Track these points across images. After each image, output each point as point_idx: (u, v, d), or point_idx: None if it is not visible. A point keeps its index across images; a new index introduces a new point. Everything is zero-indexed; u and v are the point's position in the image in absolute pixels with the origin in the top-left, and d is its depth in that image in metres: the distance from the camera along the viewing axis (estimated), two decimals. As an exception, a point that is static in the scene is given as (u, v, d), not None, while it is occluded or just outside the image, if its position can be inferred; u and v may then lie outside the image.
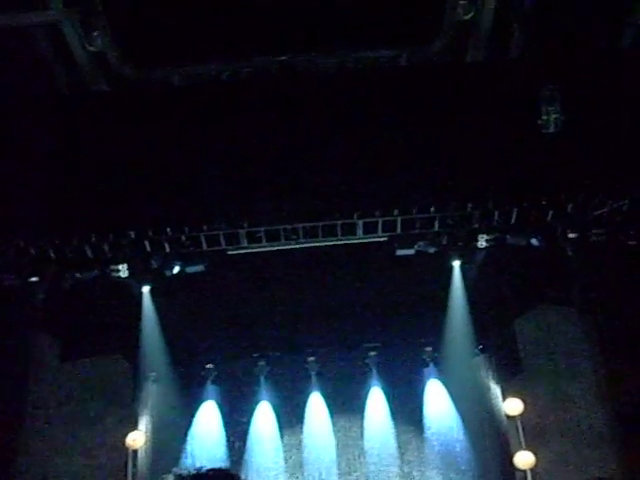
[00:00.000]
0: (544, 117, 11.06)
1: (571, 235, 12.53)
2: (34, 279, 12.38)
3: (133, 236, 12.33)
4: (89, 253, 12.32)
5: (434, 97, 11.20)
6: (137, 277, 12.99)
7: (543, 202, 12.31)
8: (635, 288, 12.38)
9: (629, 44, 11.49)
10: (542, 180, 11.75)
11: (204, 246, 12.70)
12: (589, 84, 11.06)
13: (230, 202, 11.94)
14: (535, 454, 12.67)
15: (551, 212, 12.42)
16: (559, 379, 13.32)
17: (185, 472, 1.27)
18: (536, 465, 12.62)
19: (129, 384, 13.87)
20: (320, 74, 11.71)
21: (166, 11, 10.22)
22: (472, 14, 11.00)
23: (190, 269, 12.97)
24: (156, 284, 13.30)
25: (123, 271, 12.66)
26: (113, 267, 12.63)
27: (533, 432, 13.04)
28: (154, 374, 14.16)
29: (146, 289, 13.39)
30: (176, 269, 12.88)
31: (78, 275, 12.49)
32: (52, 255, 12.21)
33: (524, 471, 12.85)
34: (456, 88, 11.30)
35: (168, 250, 12.67)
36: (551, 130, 11.08)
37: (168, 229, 12.40)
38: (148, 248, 12.57)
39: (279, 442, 14.81)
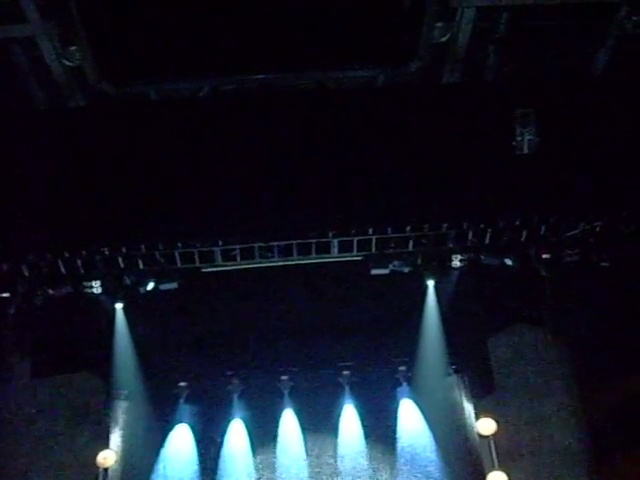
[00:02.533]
0: (518, 139, 11.19)
1: (544, 256, 12.66)
2: (5, 295, 12.28)
3: (107, 252, 12.26)
4: (62, 269, 12.23)
5: (410, 118, 11.27)
6: (110, 294, 12.92)
7: (517, 223, 12.43)
8: (607, 308, 12.50)
9: (602, 68, 11.66)
10: (516, 201, 11.85)
11: (178, 263, 12.66)
12: (563, 107, 11.19)
13: (205, 219, 11.90)
14: (508, 474, 12.68)
15: (525, 233, 12.54)
16: (532, 399, 13.37)
17: None
18: (509, 484, 12.63)
19: (100, 401, 13.73)
20: (298, 93, 11.75)
21: (144, 26, 10.20)
22: (448, 36, 11.11)
23: (164, 286, 12.91)
24: (129, 301, 13.22)
25: (96, 287, 12.61)
26: (86, 283, 12.57)
27: (506, 452, 13.07)
28: (126, 392, 14.02)
29: (119, 306, 13.31)
30: (150, 286, 12.82)
31: (50, 291, 12.40)
32: (24, 271, 12.11)
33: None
34: (432, 109, 11.39)
35: (142, 267, 12.61)
36: (525, 151, 11.20)
37: (142, 246, 12.35)
38: (122, 265, 12.50)
39: (251, 461, 14.69)
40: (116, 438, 13.68)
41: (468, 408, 13.95)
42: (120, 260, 12.42)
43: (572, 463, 12.76)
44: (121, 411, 13.89)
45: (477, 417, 13.64)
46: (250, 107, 11.34)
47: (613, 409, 12.55)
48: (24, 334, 13.33)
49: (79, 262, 12.24)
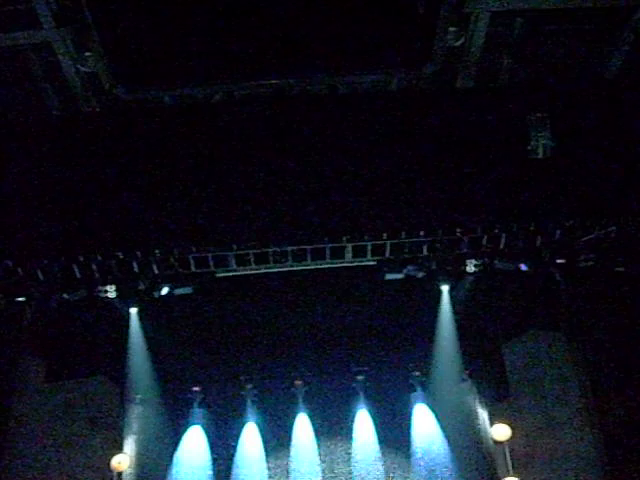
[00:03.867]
0: (533, 143, 11.15)
1: (559, 261, 12.60)
2: (21, 299, 12.34)
3: (121, 257, 12.29)
4: (77, 274, 12.29)
5: (424, 122, 11.26)
6: (125, 298, 12.96)
7: (531, 228, 12.38)
8: (622, 314, 12.44)
9: (616, 71, 11.61)
10: (531, 206, 11.81)
11: (193, 268, 12.69)
12: (577, 111, 11.16)
13: (219, 224, 11.93)
14: (522, 479, 12.62)
15: (539, 238, 12.49)
16: (547, 405, 13.28)
17: None
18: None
19: (115, 406, 13.74)
20: (312, 98, 11.77)
21: (159, 32, 10.24)
22: (462, 41, 11.10)
23: (178, 291, 12.95)
24: (144, 305, 13.27)
25: (111, 292, 12.65)
26: (101, 288, 12.62)
27: (520, 458, 13.00)
28: (140, 396, 14.04)
29: (134, 310, 13.36)
30: (164, 291, 12.87)
31: (65, 296, 12.46)
32: (40, 276, 12.17)
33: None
34: (446, 114, 11.37)
35: (156, 272, 12.65)
36: (540, 156, 11.17)
37: (157, 251, 12.38)
38: (136, 269, 12.54)
39: (265, 465, 14.68)
40: (130, 442, 13.71)
41: (482, 414, 13.89)
42: (135, 265, 12.46)
43: (586, 470, 12.66)
44: (135, 415, 13.91)
45: (491, 423, 13.57)
46: (264, 112, 11.35)
47: (629, 415, 12.47)
48: (39, 338, 13.37)
49: (94, 267, 12.29)
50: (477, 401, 14.09)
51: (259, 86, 11.38)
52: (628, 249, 12.32)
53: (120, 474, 13.25)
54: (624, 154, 11.13)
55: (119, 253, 12.21)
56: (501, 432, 13.24)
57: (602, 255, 12.42)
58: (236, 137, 11.19)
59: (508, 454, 13.12)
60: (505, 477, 13.01)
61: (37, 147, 10.82)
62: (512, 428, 13.06)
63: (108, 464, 13.14)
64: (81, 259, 12.13)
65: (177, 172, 11.32)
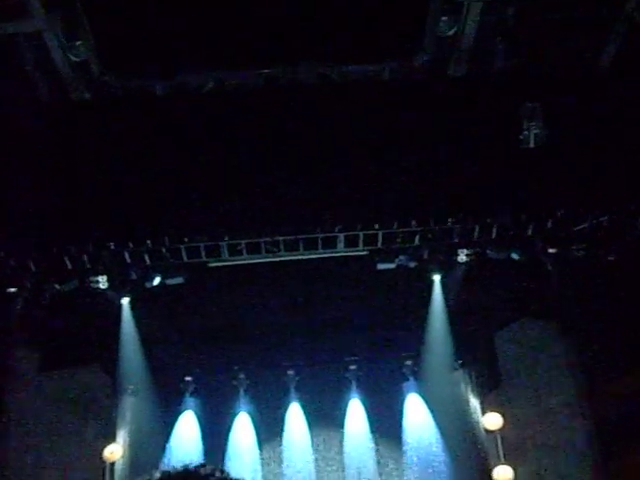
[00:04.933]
0: (525, 132, 11.13)
1: (551, 250, 12.62)
2: (12, 290, 12.30)
3: (113, 247, 12.27)
4: (68, 264, 12.25)
5: (416, 112, 11.24)
6: (117, 289, 12.94)
7: (523, 217, 12.40)
8: (615, 303, 12.46)
9: (610, 60, 11.59)
10: (523, 195, 11.83)
11: (184, 258, 12.67)
12: (570, 100, 11.14)
13: (211, 214, 11.91)
14: (514, 469, 12.69)
15: (531, 227, 12.51)
16: (539, 394, 13.34)
17: (172, 469, 1.22)
18: (514, 479, 12.60)
19: (107, 396, 13.75)
20: (303, 88, 11.72)
21: (150, 21, 10.18)
22: (455, 30, 11.05)
23: (170, 281, 12.92)
24: (136, 296, 13.24)
25: (103, 282, 12.61)
26: (92, 278, 12.58)
27: (512, 447, 13.06)
28: (133, 386, 14.04)
29: (125, 301, 13.33)
30: (156, 281, 12.84)
31: (57, 286, 12.42)
32: (31, 266, 12.13)
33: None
34: (438, 103, 11.36)
35: (148, 262, 12.62)
36: (532, 145, 11.15)
37: (148, 241, 12.36)
38: (128, 259, 12.51)
39: (258, 455, 14.75)
40: (123, 432, 13.72)
41: (474, 403, 13.95)
42: (126, 255, 12.43)
43: (579, 458, 12.72)
44: (128, 406, 13.91)
45: (483, 412, 13.64)
46: (255, 102, 11.31)
47: (621, 404, 12.51)
48: (31, 329, 13.32)
49: (85, 257, 12.26)
50: (469, 390, 14.16)
51: (250, 75, 11.34)
52: (620, 238, 12.35)
53: (113, 464, 13.27)
54: (617, 144, 11.14)
55: (111, 244, 12.19)
56: (493, 421, 13.29)
57: (594, 244, 12.45)
58: (227, 126, 11.15)
59: (500, 443, 13.18)
60: (496, 466, 13.07)
61: (27, 137, 10.76)
62: (504, 417, 13.12)
63: (101, 454, 13.16)
64: (72, 250, 12.10)
65: (168, 162, 11.28)
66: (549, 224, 12.43)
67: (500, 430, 13.16)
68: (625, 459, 11.88)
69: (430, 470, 14.45)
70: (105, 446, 13.24)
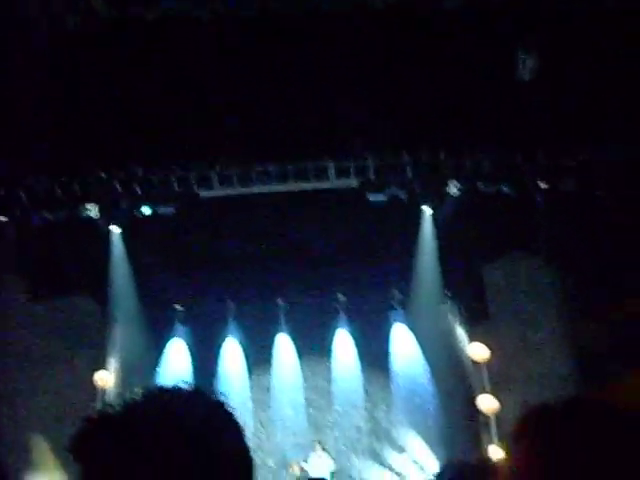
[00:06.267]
0: (519, 65, 11.04)
1: (541, 184, 12.65)
2: (3, 219, 12.26)
3: (103, 176, 12.20)
4: (59, 193, 12.19)
5: (410, 43, 11.10)
6: (107, 218, 12.91)
7: (514, 150, 12.39)
8: (601, 237, 12.54)
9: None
10: (515, 129, 11.79)
11: (175, 188, 12.63)
12: (564, 35, 11.02)
13: (202, 144, 11.83)
14: (499, 399, 12.87)
15: (522, 161, 12.51)
16: (524, 326, 13.50)
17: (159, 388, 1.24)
18: (499, 409, 12.81)
19: (98, 324, 13.81)
20: (295, 18, 11.52)
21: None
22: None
23: (161, 211, 12.91)
24: (127, 225, 13.23)
25: (93, 211, 12.58)
26: (83, 207, 12.54)
27: (498, 377, 13.24)
28: (123, 314, 14.08)
29: (116, 230, 13.31)
30: (147, 210, 12.81)
31: (48, 215, 12.38)
32: (22, 195, 12.06)
33: (487, 415, 13.06)
34: (433, 35, 11.20)
35: (139, 191, 12.58)
36: (526, 78, 11.08)
37: (139, 169, 12.29)
38: (119, 189, 12.46)
39: (247, 382, 14.97)
40: (113, 360, 13.82)
41: (461, 334, 14.10)
42: (117, 184, 12.38)
43: (562, 389, 12.92)
44: (118, 334, 13.99)
45: (470, 342, 13.75)
46: (247, 31, 11.12)
47: (604, 335, 12.68)
48: (22, 257, 13.31)
49: (76, 186, 12.20)
50: (456, 322, 14.30)
51: (241, 5, 11.13)
52: (610, 174, 12.38)
53: (104, 391, 13.41)
54: (611, 78, 11.06)
55: (101, 172, 12.12)
56: (479, 352, 13.41)
57: (584, 179, 12.48)
58: (218, 54, 10.99)
59: (485, 373, 13.35)
60: (481, 395, 13.25)
61: (17, 67, 10.57)
62: (490, 348, 13.25)
63: (92, 381, 13.28)
64: (63, 178, 12.03)
65: (159, 90, 11.15)
66: (539, 158, 12.42)
67: (486, 361, 13.30)
68: (606, 388, 12.05)
69: (417, 399, 14.72)
70: (96, 373, 13.35)
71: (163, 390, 1.42)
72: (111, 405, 1.38)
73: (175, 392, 1.42)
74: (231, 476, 1.36)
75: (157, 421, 1.34)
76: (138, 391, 1.41)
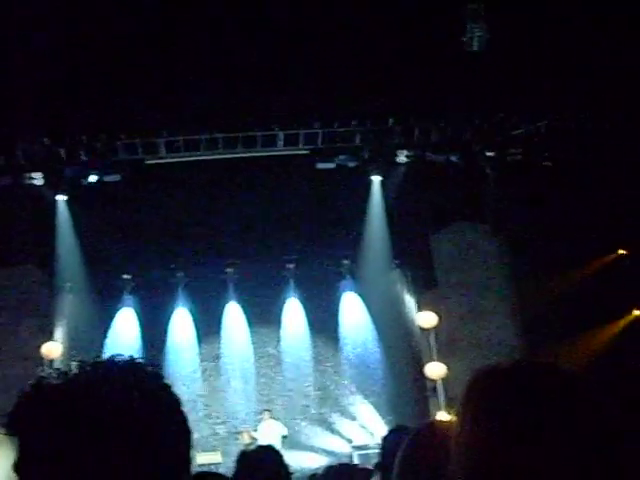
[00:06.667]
0: (468, 35, 11.03)
1: (489, 153, 12.75)
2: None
3: (47, 142, 11.98)
4: (2, 160, 11.95)
5: (359, 12, 11.01)
6: (52, 185, 12.69)
7: (462, 119, 12.46)
8: (547, 207, 12.70)
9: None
10: (462, 98, 11.83)
11: (121, 155, 12.46)
12: (513, 4, 11.03)
13: (149, 110, 11.66)
14: (447, 365, 13.02)
15: (470, 130, 12.59)
16: (472, 294, 13.63)
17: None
18: (447, 376, 12.97)
19: (44, 294, 13.60)
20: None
21: None
22: None
23: (107, 178, 12.73)
24: (72, 193, 13.01)
25: (38, 179, 12.36)
26: (27, 175, 12.31)
27: (446, 344, 13.39)
28: (70, 284, 13.88)
29: (61, 198, 13.08)
30: (92, 178, 12.62)
31: (-10, 183, 12.16)
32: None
33: (435, 381, 13.22)
34: (380, 3, 11.13)
35: (84, 158, 12.38)
36: (475, 49, 11.07)
37: (84, 137, 12.09)
38: (63, 156, 12.25)
39: (197, 351, 14.95)
40: (61, 330, 13.66)
41: (410, 301, 14.22)
42: (62, 151, 12.16)
43: (508, 355, 13.10)
44: (65, 304, 13.82)
45: (419, 311, 13.86)
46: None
47: (548, 304, 12.87)
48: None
49: (19, 153, 11.96)
50: (405, 289, 14.41)
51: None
52: (557, 144, 12.52)
53: (52, 361, 13.25)
54: (559, 48, 11.12)
55: (45, 139, 11.89)
56: (427, 319, 13.52)
57: (531, 149, 12.61)
58: (168, 21, 10.79)
59: (433, 340, 13.49)
60: (430, 362, 13.42)
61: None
62: (438, 315, 13.37)
63: (39, 352, 13.11)
64: (5, 145, 11.79)
65: (106, 54, 10.92)
66: (486, 127, 12.51)
67: (434, 328, 13.44)
68: (550, 355, 12.26)
69: (366, 366, 14.85)
70: (43, 344, 13.18)
71: (98, 362, 1.44)
72: (45, 377, 1.38)
73: (110, 363, 1.43)
74: (167, 446, 1.37)
75: (90, 393, 1.35)
76: (80, 362, 1.43)
